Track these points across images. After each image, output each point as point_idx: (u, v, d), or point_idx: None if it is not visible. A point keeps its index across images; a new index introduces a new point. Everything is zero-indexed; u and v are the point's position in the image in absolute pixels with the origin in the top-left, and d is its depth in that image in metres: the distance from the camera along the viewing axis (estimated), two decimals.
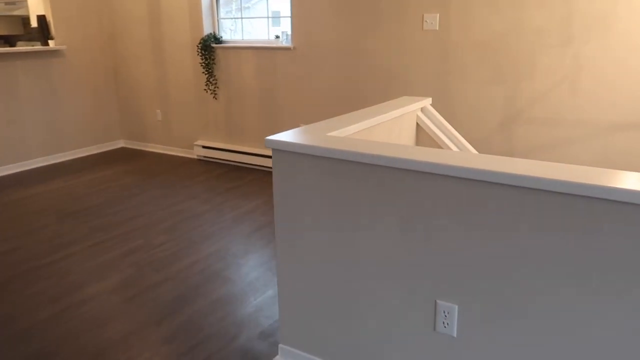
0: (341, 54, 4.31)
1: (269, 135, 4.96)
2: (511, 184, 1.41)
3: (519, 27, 3.51)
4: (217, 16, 5.09)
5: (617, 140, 3.36)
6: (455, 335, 1.65)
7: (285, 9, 4.70)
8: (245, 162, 5.08)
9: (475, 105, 3.80)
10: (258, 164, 5.00)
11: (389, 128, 2.44)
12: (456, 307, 1.62)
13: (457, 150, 2.70)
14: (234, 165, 5.18)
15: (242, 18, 5.02)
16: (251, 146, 5.10)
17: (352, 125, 2.07)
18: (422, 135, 2.73)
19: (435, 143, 2.68)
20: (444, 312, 1.65)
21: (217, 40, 5.05)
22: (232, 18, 5.08)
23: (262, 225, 3.63)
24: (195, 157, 5.50)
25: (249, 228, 3.59)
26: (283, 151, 1.84)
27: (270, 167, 4.95)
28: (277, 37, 4.65)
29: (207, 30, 5.05)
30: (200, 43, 5.02)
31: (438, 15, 3.77)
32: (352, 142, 1.76)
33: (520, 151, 3.68)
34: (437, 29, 3.81)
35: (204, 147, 5.34)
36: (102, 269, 2.99)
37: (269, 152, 4.90)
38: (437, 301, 1.65)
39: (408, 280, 1.69)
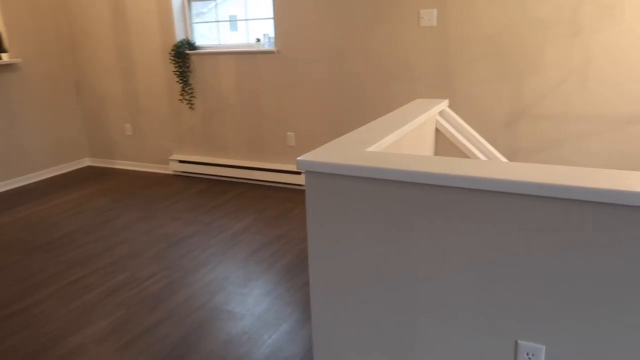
0: (331, 56, 4.03)
1: (254, 145, 4.66)
2: (622, 204, 1.17)
3: (523, 18, 3.32)
4: (190, 20, 4.72)
5: (630, 133, 3.22)
6: None
7: (247, 11, 4.39)
8: (229, 175, 4.73)
9: (480, 102, 3.59)
10: (243, 177, 4.65)
11: (415, 137, 2.18)
12: (543, 347, 1.36)
13: (485, 159, 2.47)
14: (216, 180, 4.82)
15: (217, 22, 4.67)
16: (234, 158, 4.76)
17: (385, 138, 1.79)
18: (443, 142, 2.49)
19: (458, 150, 2.44)
20: (528, 354, 1.39)
21: (191, 46, 4.68)
22: (206, 22, 4.72)
23: (259, 247, 3.31)
24: (172, 172, 5.11)
25: (245, 251, 3.26)
26: (320, 173, 1.55)
27: (257, 180, 4.62)
28: (258, 40, 4.33)
29: (179, 35, 4.67)
30: (172, 50, 4.64)
31: (435, 10, 3.55)
32: (406, 159, 1.48)
33: (528, 149, 3.50)
34: (435, 25, 3.59)
35: (180, 161, 4.95)
36: (85, 312, 2.60)
37: (256, 164, 4.57)
38: (519, 342, 1.39)
39: (481, 318, 1.42)
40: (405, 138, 2.05)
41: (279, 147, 4.48)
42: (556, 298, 1.31)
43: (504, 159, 2.56)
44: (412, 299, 1.51)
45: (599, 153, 3.32)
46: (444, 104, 2.57)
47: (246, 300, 2.66)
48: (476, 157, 2.37)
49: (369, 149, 1.63)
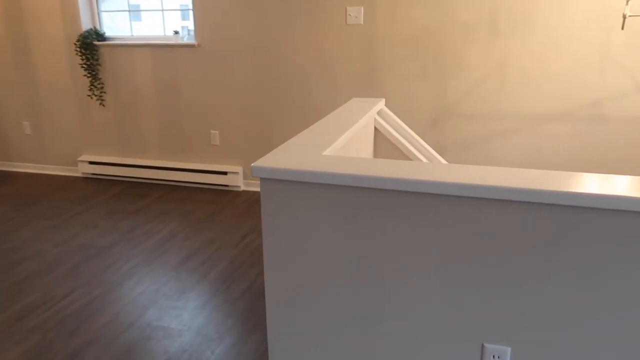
0: (255, 51, 3.89)
1: (174, 145, 4.39)
2: (589, 206, 1.20)
3: (446, 21, 3.42)
4: (98, 9, 4.32)
5: (545, 130, 3.45)
6: None
7: (163, 1, 4.13)
8: (147, 177, 4.42)
9: (407, 101, 3.66)
10: (163, 178, 4.37)
11: (359, 138, 2.14)
12: (509, 349, 1.38)
13: (425, 159, 2.49)
14: (133, 182, 4.49)
15: (129, 11, 4.32)
16: (153, 159, 4.45)
17: (337, 140, 1.73)
18: (382, 142, 2.48)
19: (398, 150, 2.44)
20: (494, 357, 1.40)
21: (100, 36, 4.29)
22: (116, 11, 4.35)
23: (189, 254, 3.11)
24: (81, 175, 4.67)
25: (174, 259, 3.05)
26: (278, 180, 1.44)
27: (180, 182, 4.36)
28: (177, 32, 4.07)
29: (85, 25, 4.26)
30: (78, 41, 4.22)
31: (362, 8, 3.54)
32: (368, 164, 1.42)
33: (454, 146, 3.63)
34: (362, 23, 3.58)
35: (91, 162, 4.54)
36: None
37: (177, 164, 4.31)
38: (485, 345, 1.40)
39: (447, 322, 1.41)
40: (353, 139, 2.00)
41: (202, 146, 4.26)
42: (520, 300, 1.33)
43: (442, 160, 2.61)
44: (376, 305, 1.47)
45: (519, 149, 3.52)
46: (381, 104, 2.56)
47: (182, 314, 2.48)
48: (417, 158, 2.38)
49: (325, 153, 1.56)
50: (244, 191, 4.21)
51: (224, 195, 4.12)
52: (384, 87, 3.67)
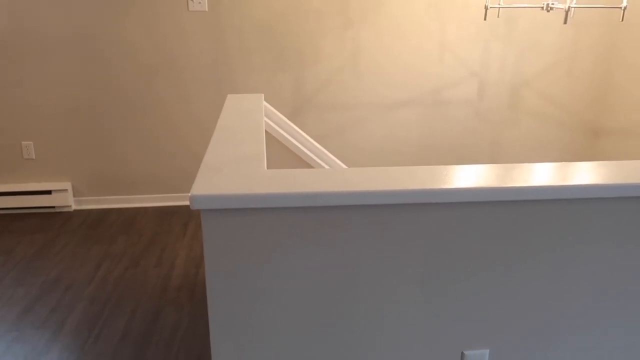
0: (77, 41, 3.21)
1: None
2: (567, 198, 1.21)
3: (297, 8, 3.30)
4: None
5: (397, 118, 3.62)
6: None
7: None
8: None
9: (263, 94, 3.44)
10: None
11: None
12: (487, 352, 1.35)
13: (316, 158, 2.35)
14: None
15: None
16: None
17: (261, 150, 1.47)
18: (273, 145, 2.26)
19: (292, 154, 2.26)
20: None
21: None
22: None
23: (29, 304, 2.44)
24: None
25: (10, 313, 2.36)
26: (227, 210, 1.14)
27: None
28: None
29: None
30: None
31: None
32: (336, 177, 1.21)
33: (316, 137, 3.57)
34: (207, 9, 3.23)
35: None
36: None
37: None
38: (465, 352, 1.35)
39: (425, 338, 1.32)
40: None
41: (12, 161, 3.39)
42: (497, 304, 1.30)
43: (338, 161, 2.50)
44: (349, 325, 1.29)
45: (374, 135, 3.63)
46: (261, 100, 2.33)
47: None
48: (315, 162, 2.23)
49: (262, 168, 1.30)
50: (76, 211, 3.50)
51: (52, 220, 3.36)
52: (237, 81, 3.40)
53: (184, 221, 3.36)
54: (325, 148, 3.59)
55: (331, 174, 1.25)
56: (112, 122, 3.39)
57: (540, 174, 1.25)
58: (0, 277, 2.66)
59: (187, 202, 3.60)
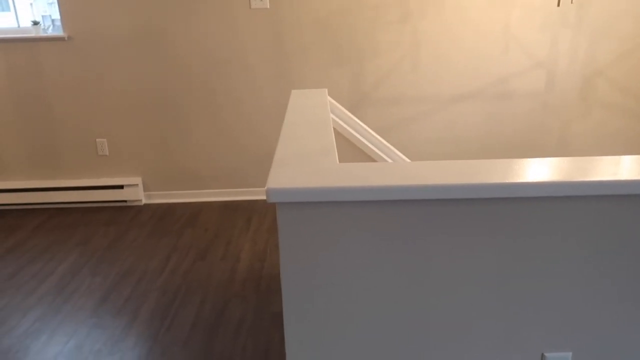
0: (144, 41, 3.34)
1: (48, 160, 3.60)
2: None
3: (354, 3, 3.28)
4: None
5: (457, 113, 3.53)
6: None
7: None
8: (13, 202, 3.61)
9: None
10: (38, 201, 3.60)
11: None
12: (570, 354, 1.29)
13: (382, 154, 2.33)
14: None
15: None
16: (19, 179, 3.64)
17: (332, 145, 1.47)
18: (339, 141, 2.26)
19: (358, 150, 2.25)
20: None
21: None
22: None
23: (105, 293, 2.58)
24: None
25: (89, 301, 2.50)
26: (303, 203, 1.15)
27: (62, 203, 3.63)
28: (36, 23, 3.32)
29: None
30: None
31: None
32: (414, 170, 1.19)
33: (377, 132, 3.54)
34: (268, 7, 3.27)
35: None
36: None
37: (56, 183, 3.58)
38: (545, 354, 1.29)
39: (503, 337, 1.27)
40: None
41: (87, 158, 3.59)
42: (581, 304, 1.24)
43: (402, 155, 2.48)
44: (423, 324, 1.27)
45: (435, 130, 3.56)
46: (325, 95, 2.33)
47: None
48: (380, 157, 2.22)
49: (334, 162, 1.30)
50: (146, 205, 3.66)
51: (123, 213, 3.53)
52: (298, 76, 3.43)
53: (247, 216, 3.43)
54: (391, 142, 3.55)
55: (404, 168, 1.23)
56: (175, 118, 3.51)
57: (623, 168, 1.17)
58: (79, 267, 2.83)
59: (249, 197, 3.68)
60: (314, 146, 1.45)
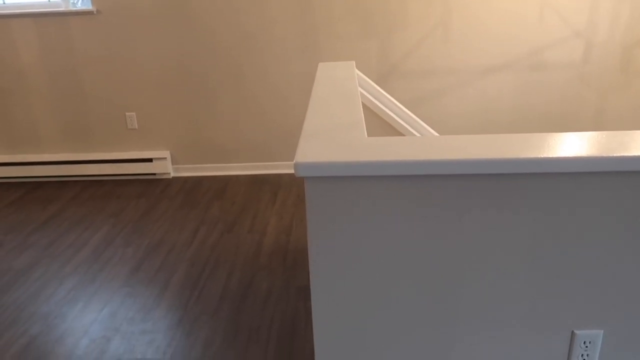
0: (170, 16, 3.34)
1: (80, 134, 3.68)
2: None
3: None
4: None
5: (489, 84, 3.43)
6: None
7: None
8: (50, 175, 3.71)
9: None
10: (71, 174, 3.70)
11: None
12: (601, 332, 1.27)
13: (411, 129, 2.29)
14: (34, 183, 3.75)
15: None
16: (53, 152, 3.74)
17: (361, 119, 1.45)
18: (367, 115, 2.23)
19: (378, 117, 2.21)
20: (585, 343, 1.28)
21: None
22: None
23: (137, 263, 2.65)
24: None
25: (122, 271, 2.58)
26: (332, 177, 1.14)
27: (94, 175, 3.72)
28: None
29: None
30: None
31: None
32: (441, 144, 1.17)
33: (405, 104, 3.48)
34: None
35: None
36: None
37: (87, 156, 3.66)
38: (576, 332, 1.27)
39: (532, 315, 1.26)
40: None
41: (117, 132, 3.65)
42: (613, 282, 1.20)
43: (431, 130, 2.44)
44: (453, 303, 1.26)
45: (466, 104, 3.48)
46: (353, 67, 2.29)
47: (156, 339, 2.08)
48: (408, 132, 2.18)
49: (363, 136, 1.28)
50: (175, 178, 3.72)
51: (152, 186, 3.60)
52: (326, 48, 3.38)
53: (273, 190, 3.45)
54: (419, 117, 3.49)
55: (433, 142, 1.21)
56: (206, 93, 3.52)
57: None
58: (112, 237, 2.91)
59: (275, 171, 3.69)
60: (342, 120, 1.43)
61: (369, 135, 2.30)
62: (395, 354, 1.32)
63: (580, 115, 3.49)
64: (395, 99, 3.49)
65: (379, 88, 2.33)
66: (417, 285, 1.24)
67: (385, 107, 2.30)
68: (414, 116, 2.35)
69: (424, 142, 1.22)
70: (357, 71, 2.34)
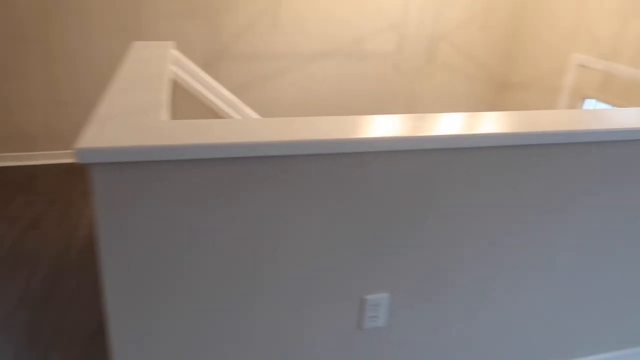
0: None
1: None
2: (476, 146, 1.23)
3: None
4: None
5: (315, 70, 3.55)
6: (384, 325, 1.43)
7: None
8: None
9: (174, 41, 3.23)
10: None
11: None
12: (387, 295, 1.38)
13: (232, 111, 2.25)
14: None
15: None
16: None
17: (163, 100, 1.36)
18: (182, 97, 2.12)
19: (199, 102, 2.14)
20: (373, 305, 1.39)
21: None
22: None
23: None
24: None
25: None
26: (122, 164, 1.05)
27: None
28: None
29: None
30: None
31: None
32: (244, 127, 1.14)
33: (232, 88, 3.43)
34: None
35: None
36: None
37: None
38: (365, 297, 1.37)
39: (325, 285, 1.32)
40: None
41: None
42: (399, 250, 1.32)
43: (254, 113, 2.41)
44: (252, 282, 1.27)
45: (293, 88, 3.55)
46: (171, 48, 2.16)
47: None
48: (227, 114, 2.13)
49: (160, 118, 1.20)
50: None
51: None
52: (145, 26, 3.15)
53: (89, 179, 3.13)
54: (246, 101, 3.46)
55: (235, 125, 1.18)
56: (8, 73, 3.03)
57: (449, 124, 1.25)
58: None
59: None
60: (142, 101, 1.33)
61: (186, 118, 2.19)
62: (198, 342, 1.28)
63: (394, 100, 3.81)
64: (226, 83, 3.42)
65: (200, 71, 2.24)
66: (218, 268, 1.21)
67: (206, 89, 2.22)
68: (235, 100, 2.31)
69: (225, 125, 1.18)
70: (177, 53, 2.22)
